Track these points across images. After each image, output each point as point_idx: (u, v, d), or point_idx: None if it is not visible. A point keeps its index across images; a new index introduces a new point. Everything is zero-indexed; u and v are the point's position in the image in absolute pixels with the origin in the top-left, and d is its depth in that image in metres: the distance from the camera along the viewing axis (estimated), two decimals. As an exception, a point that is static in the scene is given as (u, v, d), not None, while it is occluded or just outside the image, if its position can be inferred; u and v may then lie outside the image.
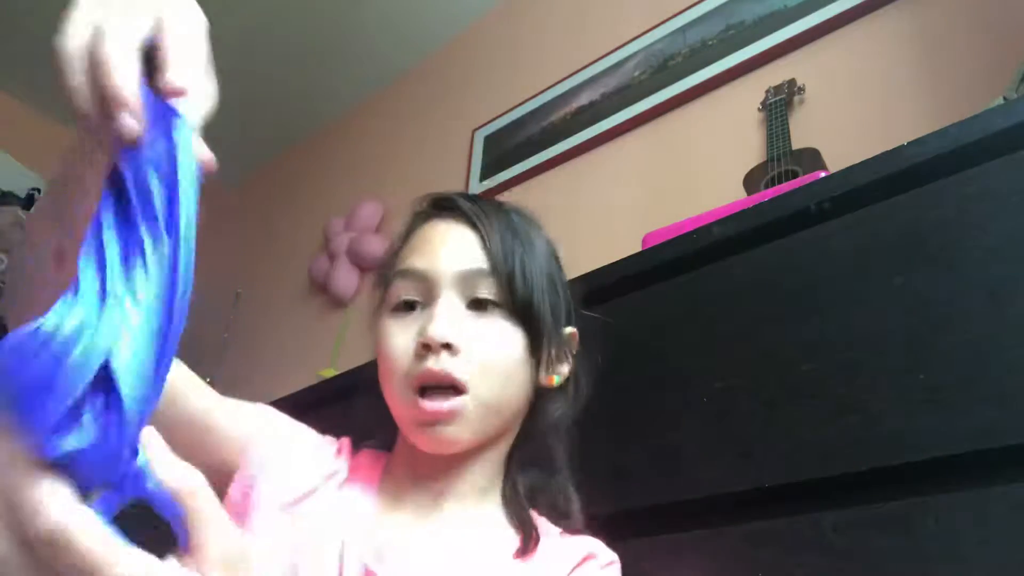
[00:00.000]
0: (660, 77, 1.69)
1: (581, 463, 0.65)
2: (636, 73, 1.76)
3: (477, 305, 0.61)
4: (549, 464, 0.65)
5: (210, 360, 2.44)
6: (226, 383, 2.39)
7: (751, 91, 1.49)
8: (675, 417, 0.70)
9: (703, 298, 0.73)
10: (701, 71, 1.60)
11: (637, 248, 0.87)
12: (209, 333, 2.57)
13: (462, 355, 0.58)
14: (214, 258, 2.99)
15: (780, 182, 1.20)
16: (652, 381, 0.73)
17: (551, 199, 1.78)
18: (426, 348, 0.58)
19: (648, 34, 1.78)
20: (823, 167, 1.21)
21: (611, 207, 1.63)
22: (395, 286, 0.63)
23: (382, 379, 0.62)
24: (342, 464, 0.63)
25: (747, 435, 0.64)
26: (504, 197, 1.89)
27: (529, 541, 0.58)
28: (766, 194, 0.87)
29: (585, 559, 0.59)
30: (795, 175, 1.21)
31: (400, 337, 0.60)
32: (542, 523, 0.62)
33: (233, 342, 2.46)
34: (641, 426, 0.71)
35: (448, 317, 0.58)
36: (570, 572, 0.58)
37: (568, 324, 0.68)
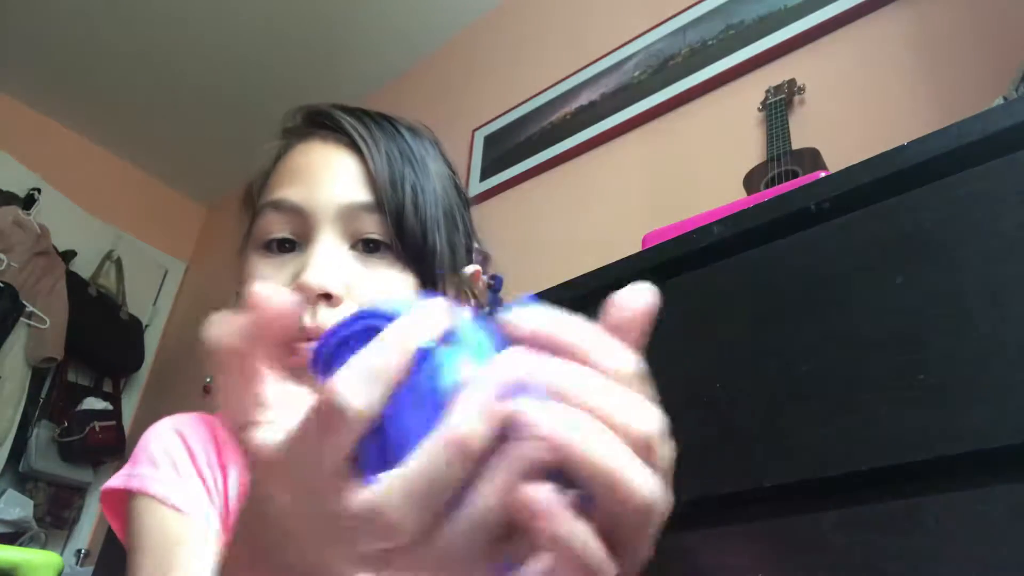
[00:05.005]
0: (660, 77, 1.69)
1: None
2: (636, 73, 1.76)
3: (363, 246, 0.54)
4: None
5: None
6: (226, 383, 2.39)
7: (751, 91, 1.49)
8: (675, 417, 0.69)
9: (703, 298, 0.73)
10: (701, 71, 1.60)
11: (637, 248, 0.87)
12: (209, 333, 2.56)
13: (344, 306, 0.51)
14: (214, 258, 2.99)
15: (780, 182, 1.20)
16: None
17: (551, 199, 1.78)
18: None
19: (648, 34, 1.79)
20: (823, 167, 1.21)
21: (611, 207, 1.63)
22: (265, 218, 0.55)
23: None
24: None
25: (747, 435, 0.64)
26: (504, 197, 1.89)
27: None
28: (766, 194, 0.86)
29: None
30: (795, 175, 1.21)
31: (270, 282, 0.56)
32: None
33: (233, 342, 2.46)
34: (641, 426, 0.71)
35: (326, 261, 0.51)
36: None
37: (469, 262, 0.62)
